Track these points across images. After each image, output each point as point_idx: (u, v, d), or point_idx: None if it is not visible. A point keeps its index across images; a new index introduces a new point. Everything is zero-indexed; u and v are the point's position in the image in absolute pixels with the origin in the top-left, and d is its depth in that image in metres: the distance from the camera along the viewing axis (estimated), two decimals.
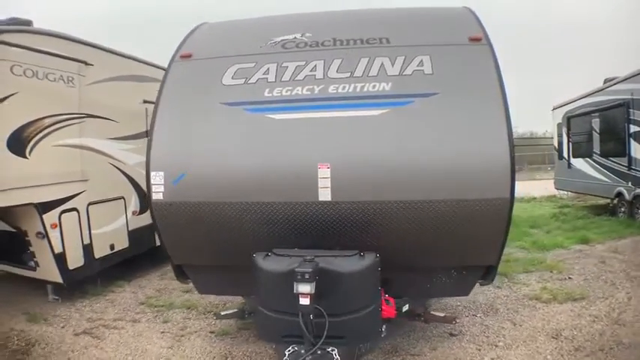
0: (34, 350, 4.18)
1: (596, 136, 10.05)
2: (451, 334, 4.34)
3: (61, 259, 5.26)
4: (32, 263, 5.31)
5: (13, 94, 4.62)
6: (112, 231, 6.18)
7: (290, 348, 2.81)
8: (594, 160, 10.25)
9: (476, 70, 3.43)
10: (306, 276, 2.64)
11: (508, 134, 3.17)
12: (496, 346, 4.04)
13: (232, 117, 3.62)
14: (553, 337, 4.12)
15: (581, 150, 10.75)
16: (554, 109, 12.64)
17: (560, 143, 11.94)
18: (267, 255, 3.13)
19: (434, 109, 3.30)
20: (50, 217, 5.13)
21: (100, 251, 5.94)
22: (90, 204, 5.76)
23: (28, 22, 5.32)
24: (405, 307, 3.68)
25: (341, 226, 3.34)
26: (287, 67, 3.70)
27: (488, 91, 3.30)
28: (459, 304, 5.24)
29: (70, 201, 5.48)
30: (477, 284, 3.88)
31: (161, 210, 3.70)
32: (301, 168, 3.33)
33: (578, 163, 10.90)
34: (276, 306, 2.92)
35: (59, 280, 5.28)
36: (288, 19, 4.33)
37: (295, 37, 3.93)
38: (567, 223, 9.84)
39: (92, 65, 5.79)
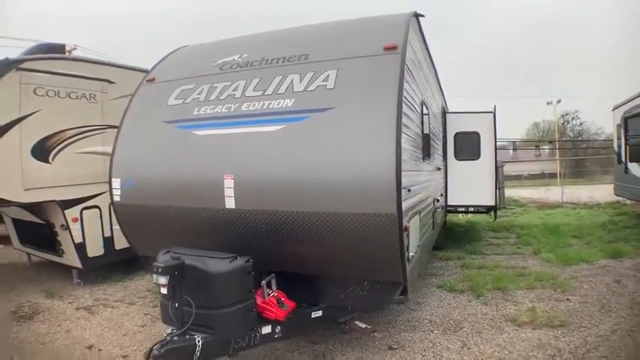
0: (37, 317, 5.15)
1: None
2: (390, 348, 4.29)
3: (81, 247, 6.26)
4: (59, 251, 6.40)
5: (36, 112, 5.66)
6: None
7: (169, 329, 3.19)
8: None
9: (375, 82, 3.42)
10: (159, 270, 3.01)
11: (396, 148, 3.12)
12: None
13: (167, 133, 4.10)
14: None
15: (638, 153, 9.27)
16: (614, 109, 11.03)
17: (619, 146, 10.42)
18: (167, 252, 3.50)
19: (326, 124, 3.38)
20: (71, 212, 6.15)
21: (121, 243, 6.84)
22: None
23: (61, 47, 6.42)
24: (317, 314, 3.79)
25: (243, 231, 3.63)
26: (217, 87, 4.06)
27: (380, 104, 3.29)
28: (427, 317, 5.10)
29: (92, 199, 6.47)
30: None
31: (120, 210, 4.40)
32: (213, 178, 3.69)
33: (634, 168, 9.43)
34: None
35: (79, 265, 6.30)
36: (236, 41, 4.66)
37: (234, 59, 4.26)
38: (612, 233, 8.82)
39: (114, 83, 6.72)
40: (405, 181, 3.42)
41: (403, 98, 3.39)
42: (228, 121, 3.78)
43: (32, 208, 6.10)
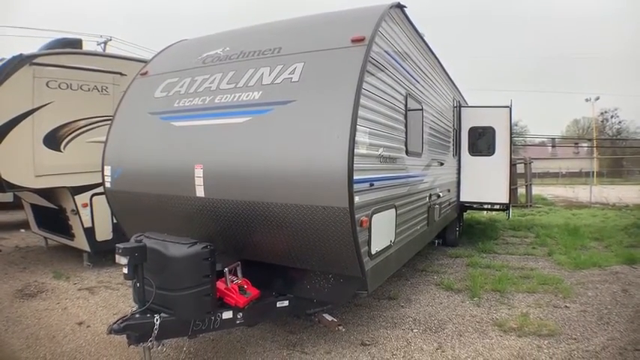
0: (40, 295, 5.52)
1: None
2: (362, 343, 4.25)
3: (90, 232, 6.64)
4: (71, 235, 6.81)
5: (48, 104, 6.04)
6: None
7: (135, 307, 3.36)
8: None
9: (336, 75, 3.39)
10: (120, 251, 3.17)
11: (349, 142, 3.09)
12: None
13: (151, 124, 4.27)
14: None
15: None
16: None
17: None
18: (139, 236, 3.66)
19: (287, 116, 3.41)
20: (81, 198, 6.53)
21: None
22: None
23: (77, 42, 6.77)
24: (283, 304, 3.84)
25: (212, 219, 3.75)
26: (197, 80, 4.17)
27: (338, 97, 3.26)
28: (413, 314, 5.03)
29: (102, 186, 6.83)
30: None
31: (111, 195, 4.66)
32: (185, 168, 3.83)
33: None
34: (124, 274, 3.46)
35: (87, 248, 6.69)
36: (223, 35, 4.74)
37: (217, 53, 4.35)
38: (635, 237, 8.24)
39: (126, 75, 7.01)
40: (365, 176, 3.40)
41: (366, 91, 3.36)
42: (202, 113, 3.89)
43: (45, 193, 6.53)
